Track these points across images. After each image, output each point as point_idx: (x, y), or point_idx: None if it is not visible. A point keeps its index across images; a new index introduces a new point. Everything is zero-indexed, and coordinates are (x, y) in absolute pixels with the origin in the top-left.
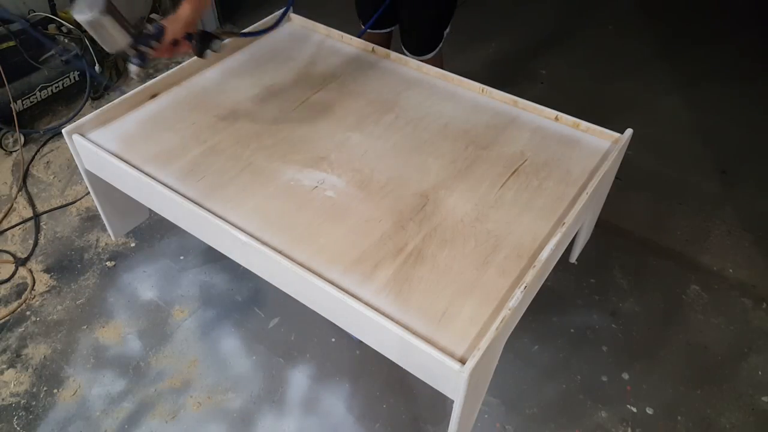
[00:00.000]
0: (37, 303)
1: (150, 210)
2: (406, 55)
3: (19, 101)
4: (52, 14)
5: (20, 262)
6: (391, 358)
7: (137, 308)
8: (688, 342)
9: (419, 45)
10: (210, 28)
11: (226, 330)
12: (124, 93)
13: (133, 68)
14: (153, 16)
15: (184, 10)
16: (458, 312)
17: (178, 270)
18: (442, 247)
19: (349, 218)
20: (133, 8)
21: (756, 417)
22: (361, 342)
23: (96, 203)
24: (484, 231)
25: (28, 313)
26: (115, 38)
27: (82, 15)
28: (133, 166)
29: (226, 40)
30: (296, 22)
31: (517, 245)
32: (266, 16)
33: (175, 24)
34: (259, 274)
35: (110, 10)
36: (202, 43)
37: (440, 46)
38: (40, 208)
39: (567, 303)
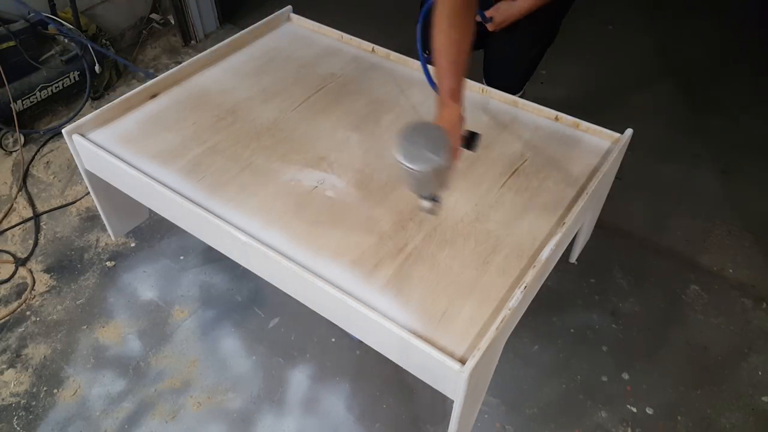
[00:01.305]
0: (37, 303)
1: (150, 210)
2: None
3: (19, 101)
4: (51, 14)
5: (20, 262)
6: (391, 358)
7: (137, 308)
8: (687, 342)
9: (504, 88)
10: (209, 29)
11: (226, 330)
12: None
13: (426, 205)
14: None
15: (455, 113)
16: (458, 312)
17: (178, 270)
18: (442, 247)
19: (349, 218)
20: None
21: (756, 417)
22: (361, 342)
23: (96, 203)
24: (484, 231)
25: (28, 313)
26: (443, 181)
27: (423, 164)
28: (133, 166)
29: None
30: (296, 22)
31: (517, 245)
32: (266, 16)
33: (455, 134)
34: (259, 274)
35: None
36: (467, 145)
37: (525, 86)
38: (40, 208)
39: (567, 303)
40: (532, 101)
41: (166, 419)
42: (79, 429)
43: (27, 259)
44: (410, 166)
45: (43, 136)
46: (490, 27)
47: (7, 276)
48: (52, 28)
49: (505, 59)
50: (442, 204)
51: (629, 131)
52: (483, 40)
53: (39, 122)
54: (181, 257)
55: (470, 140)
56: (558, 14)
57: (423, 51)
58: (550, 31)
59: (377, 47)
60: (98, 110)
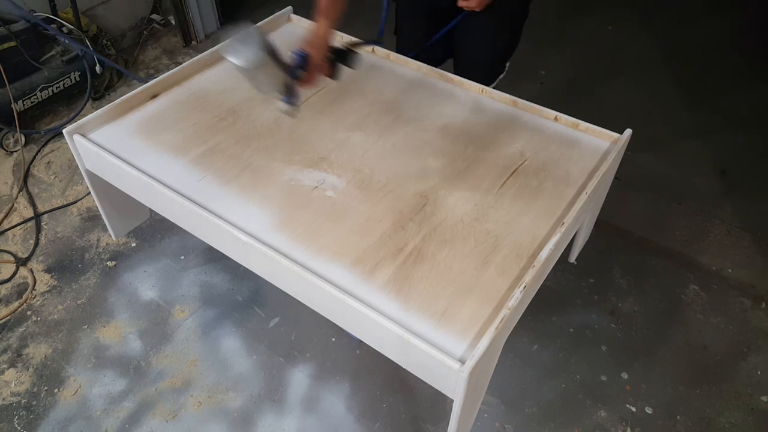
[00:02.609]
0: (38, 303)
1: (151, 210)
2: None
3: (20, 101)
4: (53, 15)
5: (21, 262)
6: (391, 358)
7: (138, 308)
8: (687, 341)
9: (477, 81)
10: (210, 30)
11: (226, 329)
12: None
13: (283, 107)
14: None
15: (323, 28)
16: (458, 311)
17: (178, 270)
18: (442, 247)
19: (349, 218)
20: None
21: (755, 416)
22: (361, 342)
23: (97, 203)
24: (483, 231)
25: (28, 312)
26: (272, 80)
27: (240, 59)
28: (134, 166)
29: (361, 53)
30: (296, 22)
31: (517, 245)
32: (267, 17)
33: (317, 46)
34: (260, 274)
35: (270, 48)
36: (342, 61)
37: (499, 78)
38: (40, 208)
39: (566, 303)
40: (532, 101)
41: (167, 418)
42: (80, 428)
43: (28, 258)
44: (229, 59)
45: (44, 137)
46: (473, 4)
47: (8, 276)
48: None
49: (475, 56)
50: (299, 109)
51: (628, 131)
52: (450, 47)
53: (40, 122)
54: (182, 257)
55: (344, 56)
56: (522, 2)
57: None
58: (516, 21)
59: (377, 47)
60: (99, 110)
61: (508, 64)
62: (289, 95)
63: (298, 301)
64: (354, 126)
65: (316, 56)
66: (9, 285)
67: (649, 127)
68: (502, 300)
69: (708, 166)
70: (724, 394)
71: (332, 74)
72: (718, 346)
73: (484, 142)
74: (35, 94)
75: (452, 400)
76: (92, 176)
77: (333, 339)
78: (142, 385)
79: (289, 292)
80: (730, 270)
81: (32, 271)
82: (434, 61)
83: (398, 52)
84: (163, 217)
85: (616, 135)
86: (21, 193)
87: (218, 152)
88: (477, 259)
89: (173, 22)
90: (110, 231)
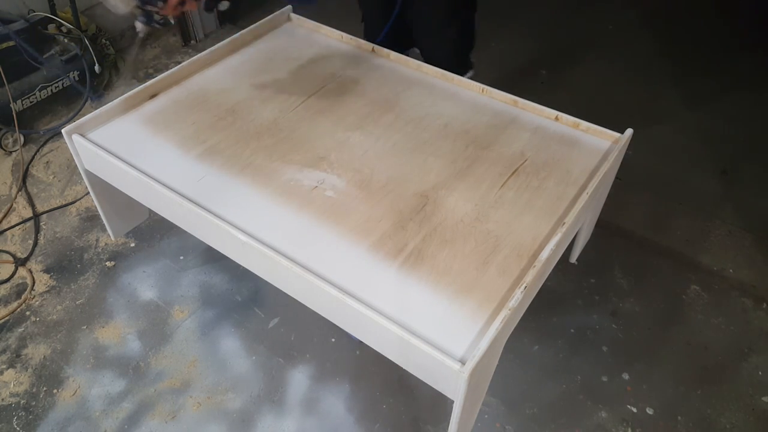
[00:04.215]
0: (37, 303)
1: (150, 210)
2: None
3: (18, 101)
4: (51, 14)
5: (20, 262)
6: (391, 358)
7: (137, 308)
8: (688, 342)
9: (447, 68)
10: (209, 29)
11: (225, 330)
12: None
13: (138, 25)
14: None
15: None
16: (458, 312)
17: (177, 270)
18: (442, 247)
19: (349, 218)
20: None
21: (756, 417)
22: (361, 342)
23: (96, 203)
24: (484, 231)
25: (27, 313)
26: (120, 1)
27: None
28: (133, 166)
29: None
30: (296, 22)
31: (518, 245)
32: (266, 16)
33: None
34: (259, 274)
35: None
36: (209, 1)
37: (470, 74)
38: (39, 208)
39: (567, 303)
40: (532, 101)
41: (166, 419)
42: (79, 429)
43: (27, 259)
44: None
45: (42, 136)
46: None
47: (6, 276)
48: (52, 28)
49: (431, 52)
50: (155, 28)
51: (629, 131)
52: (411, 37)
53: (39, 122)
54: (181, 257)
55: None
56: None
57: None
58: (461, 13)
59: (377, 47)
60: (98, 110)
61: (473, 60)
62: (146, 17)
63: (298, 302)
64: (354, 126)
65: None
66: (8, 285)
67: (650, 127)
68: (503, 300)
69: (708, 166)
70: (725, 394)
71: (205, 7)
72: (719, 346)
73: (485, 141)
74: (34, 94)
75: (452, 401)
76: (91, 176)
77: (333, 340)
78: (141, 386)
79: (288, 293)
80: (731, 270)
81: (31, 272)
82: (398, 49)
83: (365, 37)
84: (162, 217)
85: (617, 135)
86: (20, 193)
87: (217, 152)
88: (477, 259)
89: (172, 22)
90: (109, 231)
